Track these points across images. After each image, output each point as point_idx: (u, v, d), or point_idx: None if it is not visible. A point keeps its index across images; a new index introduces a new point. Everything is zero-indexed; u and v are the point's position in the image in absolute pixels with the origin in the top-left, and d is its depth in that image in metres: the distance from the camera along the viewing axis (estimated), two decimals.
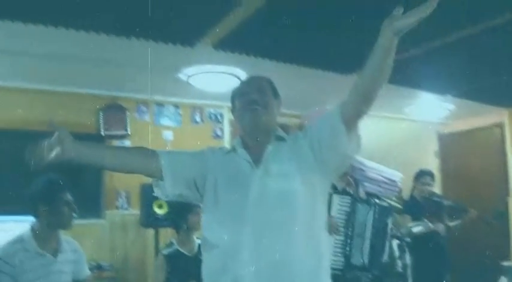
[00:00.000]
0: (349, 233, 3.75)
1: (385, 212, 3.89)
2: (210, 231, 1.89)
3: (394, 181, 5.59)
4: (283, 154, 1.89)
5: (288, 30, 3.11)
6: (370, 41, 3.19)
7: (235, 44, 3.29)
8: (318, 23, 2.98)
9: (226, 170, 1.92)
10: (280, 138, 1.96)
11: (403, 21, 1.68)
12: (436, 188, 5.76)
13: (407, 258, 3.77)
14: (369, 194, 4.95)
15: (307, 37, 3.25)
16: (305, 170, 1.84)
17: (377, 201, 3.98)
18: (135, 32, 3.06)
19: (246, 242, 1.75)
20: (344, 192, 3.91)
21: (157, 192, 1.95)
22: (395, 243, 3.72)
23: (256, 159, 1.88)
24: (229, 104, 2.10)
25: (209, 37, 3.18)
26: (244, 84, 2.11)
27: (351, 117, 1.81)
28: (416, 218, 4.51)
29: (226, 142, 5.69)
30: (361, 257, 3.74)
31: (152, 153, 1.91)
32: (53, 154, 1.70)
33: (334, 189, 3.85)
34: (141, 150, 1.97)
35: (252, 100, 1.95)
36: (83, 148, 1.81)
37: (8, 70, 4.27)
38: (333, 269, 3.59)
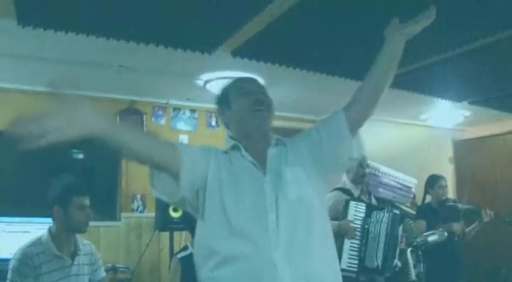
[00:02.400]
0: (364, 237, 3.91)
1: (396, 218, 4.03)
2: (223, 242, 1.67)
3: (408, 187, 5.60)
4: (287, 158, 1.84)
5: (305, 38, 3.13)
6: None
7: (253, 51, 3.31)
8: (335, 30, 3.00)
9: (231, 172, 1.76)
10: (280, 142, 1.90)
11: (413, 27, 1.80)
12: (451, 194, 5.74)
13: (422, 267, 3.78)
14: (383, 200, 4.98)
15: (324, 44, 3.27)
16: (310, 174, 1.82)
17: (389, 208, 4.12)
18: (154, 39, 3.09)
19: (278, 251, 1.63)
20: (359, 200, 4.06)
21: (162, 192, 1.70)
22: (409, 251, 3.76)
23: (258, 163, 1.80)
24: None
25: (227, 44, 3.20)
26: (244, 83, 1.98)
27: (356, 121, 1.85)
28: (431, 223, 4.50)
29: None
30: (375, 260, 3.88)
31: (172, 145, 1.69)
32: (62, 128, 1.21)
33: (351, 196, 4.02)
34: (161, 140, 1.68)
35: (258, 101, 1.87)
36: (104, 121, 1.40)
37: (30, 74, 4.34)
38: (348, 271, 3.75)
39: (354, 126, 1.84)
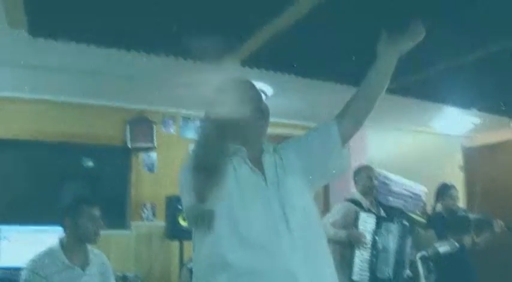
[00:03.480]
0: (375, 249, 3.91)
1: (406, 229, 4.04)
2: (237, 254, 1.59)
3: (418, 195, 5.56)
4: (284, 166, 1.80)
5: (314, 47, 3.14)
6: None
7: (262, 60, 3.33)
8: (343, 39, 3.01)
9: (236, 180, 1.71)
10: (275, 150, 1.86)
11: (405, 44, 1.84)
12: (461, 202, 5.71)
13: (433, 278, 3.79)
14: (393, 208, 4.97)
15: (333, 53, 3.27)
16: (306, 183, 1.81)
17: (399, 219, 4.13)
18: (164, 50, 3.12)
19: (295, 261, 1.60)
20: (369, 211, 4.08)
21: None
22: (419, 261, 3.77)
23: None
24: None
25: (237, 54, 3.22)
26: (246, 87, 1.86)
27: (347, 132, 1.85)
28: (441, 233, 4.48)
29: None
30: (387, 271, 3.89)
31: None
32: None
33: (361, 207, 4.05)
34: None
35: (260, 110, 1.85)
36: None
37: (43, 84, 4.40)
38: None
39: (345, 138, 1.85)
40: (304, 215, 1.72)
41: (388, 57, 1.85)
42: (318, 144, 1.85)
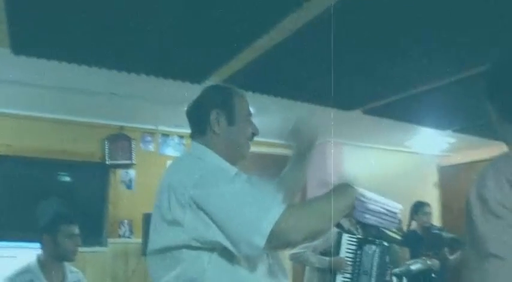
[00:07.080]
0: (356, 270, 3.89)
1: (386, 251, 4.04)
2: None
3: (394, 213, 5.60)
4: None
5: (293, 69, 3.20)
6: (372, 80, 3.28)
7: (242, 81, 3.38)
8: (321, 62, 3.07)
9: None
10: None
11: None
12: (436, 220, 5.78)
13: None
14: (369, 226, 4.99)
15: (311, 75, 3.34)
16: None
17: (380, 241, 4.12)
18: (145, 69, 3.15)
19: None
20: (350, 232, 4.05)
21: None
22: (394, 278, 3.79)
23: None
24: None
25: (217, 74, 3.27)
26: (249, 108, 1.79)
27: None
28: (415, 251, 4.53)
29: None
30: None
31: None
32: None
33: (342, 229, 4.01)
34: None
35: (257, 132, 1.76)
36: None
37: (22, 100, 4.39)
38: None
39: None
40: None
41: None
42: None
